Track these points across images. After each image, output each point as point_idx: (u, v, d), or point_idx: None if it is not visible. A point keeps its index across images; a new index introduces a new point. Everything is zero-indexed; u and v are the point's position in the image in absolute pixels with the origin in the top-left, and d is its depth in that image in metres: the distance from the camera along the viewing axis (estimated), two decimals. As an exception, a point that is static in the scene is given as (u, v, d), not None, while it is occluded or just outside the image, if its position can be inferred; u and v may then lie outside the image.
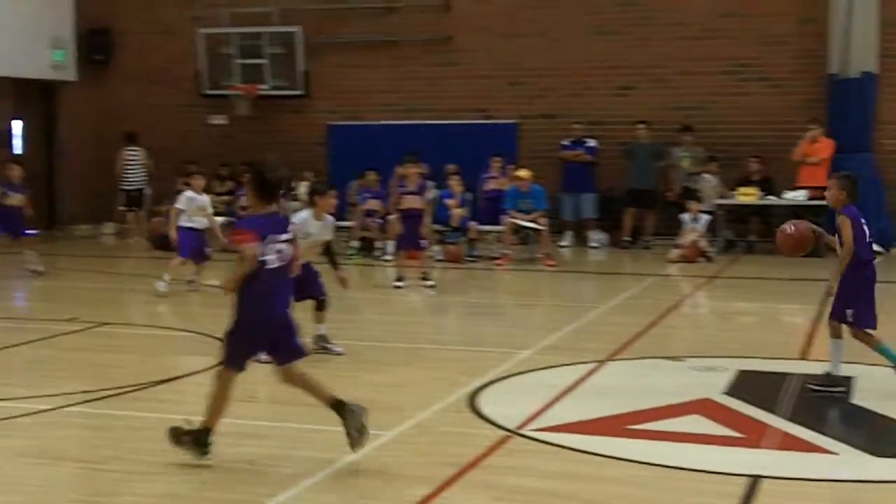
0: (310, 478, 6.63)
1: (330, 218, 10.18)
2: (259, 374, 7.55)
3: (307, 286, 9.73)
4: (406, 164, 14.93)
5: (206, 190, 21.73)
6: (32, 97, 22.81)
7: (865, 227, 8.61)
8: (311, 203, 10.09)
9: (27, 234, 16.11)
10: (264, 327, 6.86)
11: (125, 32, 23.11)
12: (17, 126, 22.52)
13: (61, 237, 21.85)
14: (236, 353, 6.90)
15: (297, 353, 7.01)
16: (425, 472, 6.73)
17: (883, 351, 8.68)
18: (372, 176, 18.62)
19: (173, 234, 13.90)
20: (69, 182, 22.87)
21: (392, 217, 15.43)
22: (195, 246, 13.96)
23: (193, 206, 14.06)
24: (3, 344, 10.90)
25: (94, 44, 22.96)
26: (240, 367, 6.92)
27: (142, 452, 7.18)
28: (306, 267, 9.48)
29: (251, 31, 21.68)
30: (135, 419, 8.12)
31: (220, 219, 20.22)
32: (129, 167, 21.30)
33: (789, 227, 8.80)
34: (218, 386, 6.92)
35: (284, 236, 6.87)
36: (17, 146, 22.52)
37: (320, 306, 10.11)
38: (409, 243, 14.71)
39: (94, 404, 8.49)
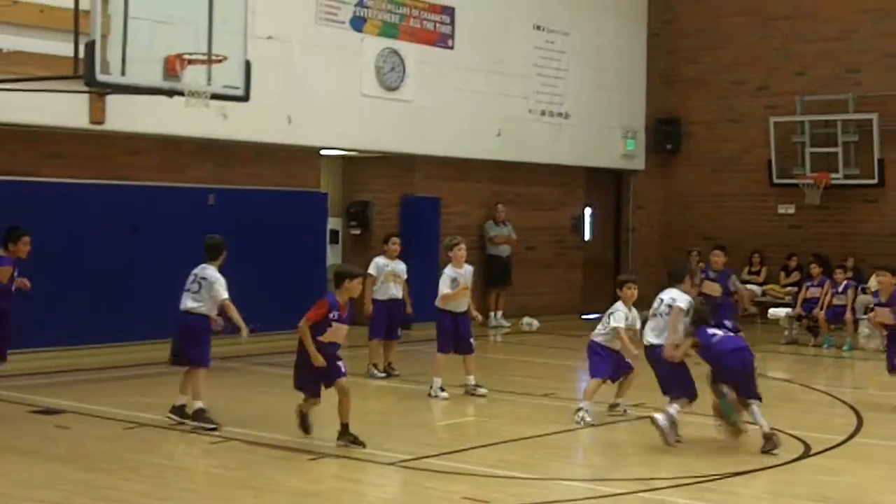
0: None
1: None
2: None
3: None
4: None
5: (768, 280, 21.50)
6: (602, 185, 23.56)
7: None
8: None
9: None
10: None
11: (694, 122, 23.32)
12: (587, 213, 23.27)
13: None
14: None
15: None
16: None
17: None
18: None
19: None
20: (636, 266, 23.25)
21: None
22: None
23: None
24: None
25: (664, 133, 23.38)
26: None
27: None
28: None
29: (825, 118, 21.11)
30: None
31: (782, 311, 19.81)
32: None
33: None
34: None
35: None
36: (586, 232, 23.26)
37: None
38: None
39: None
